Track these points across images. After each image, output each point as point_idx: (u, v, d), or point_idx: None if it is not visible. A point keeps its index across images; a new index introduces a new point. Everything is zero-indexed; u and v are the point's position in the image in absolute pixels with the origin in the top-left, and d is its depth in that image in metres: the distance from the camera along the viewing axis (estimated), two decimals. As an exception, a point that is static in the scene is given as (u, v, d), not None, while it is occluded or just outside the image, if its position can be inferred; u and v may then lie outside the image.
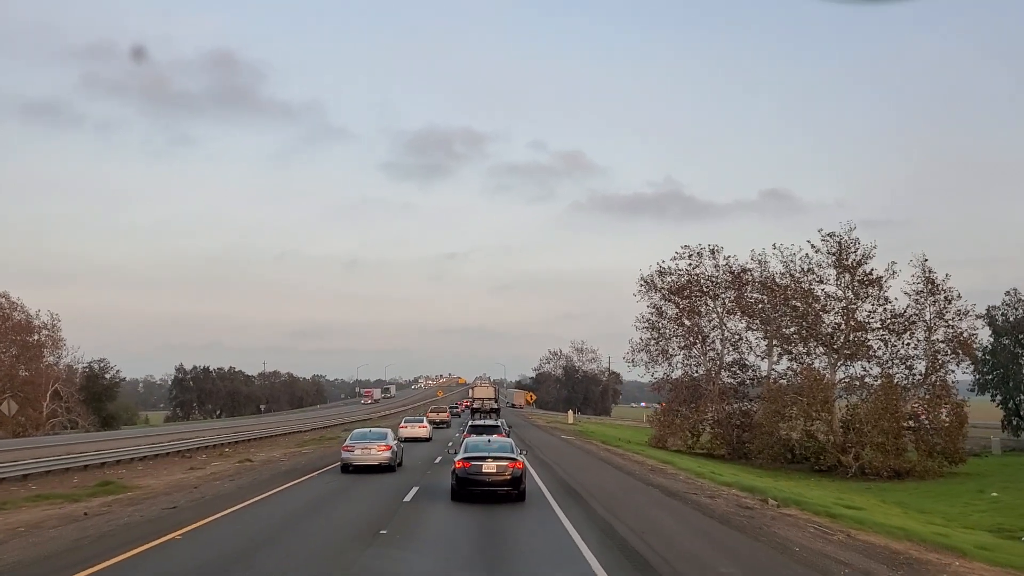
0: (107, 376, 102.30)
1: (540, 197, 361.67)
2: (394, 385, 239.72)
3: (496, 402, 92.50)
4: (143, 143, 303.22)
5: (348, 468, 30.44)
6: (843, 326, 55.56)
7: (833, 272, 56.36)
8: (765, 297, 59.85)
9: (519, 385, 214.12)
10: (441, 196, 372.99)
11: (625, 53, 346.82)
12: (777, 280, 59.32)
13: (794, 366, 59.81)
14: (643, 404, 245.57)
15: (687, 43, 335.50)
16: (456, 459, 22.07)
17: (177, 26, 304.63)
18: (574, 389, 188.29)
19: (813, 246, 56.38)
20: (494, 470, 21.02)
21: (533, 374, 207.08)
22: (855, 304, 55.10)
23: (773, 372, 60.53)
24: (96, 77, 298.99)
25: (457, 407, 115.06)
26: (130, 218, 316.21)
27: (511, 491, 21.02)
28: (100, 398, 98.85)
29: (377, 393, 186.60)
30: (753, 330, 62.42)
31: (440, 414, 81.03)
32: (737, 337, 62.40)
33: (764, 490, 23.04)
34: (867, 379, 54.29)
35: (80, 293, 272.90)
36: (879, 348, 55.10)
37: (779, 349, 59.44)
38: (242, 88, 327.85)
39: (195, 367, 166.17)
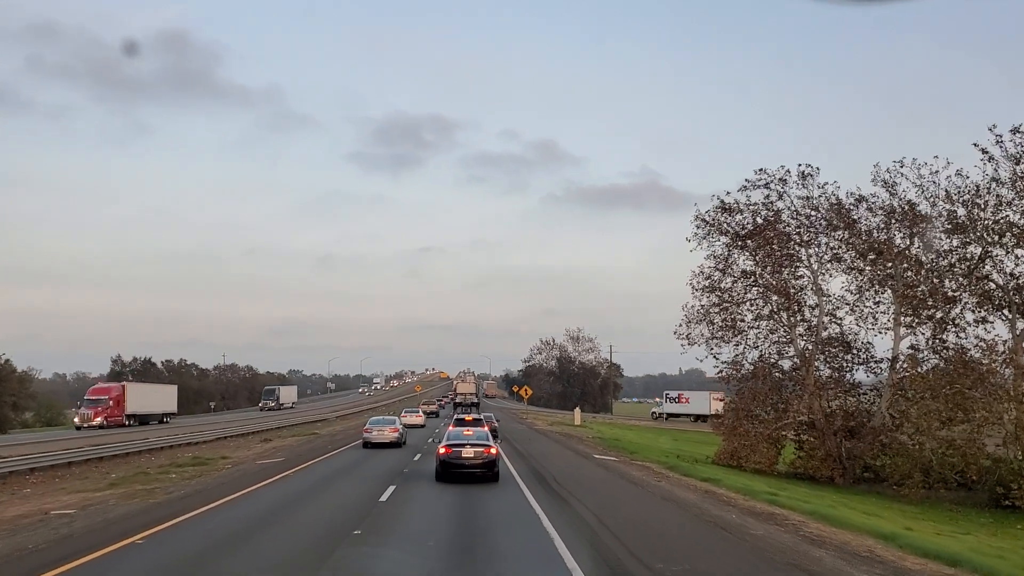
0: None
1: (514, 188, 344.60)
2: (292, 386, 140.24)
3: (477, 396, 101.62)
4: (98, 132, 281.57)
5: (367, 445, 39.64)
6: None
7: (1009, 194, 35.98)
8: (905, 238, 39.29)
9: (507, 379, 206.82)
10: (412, 188, 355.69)
11: (596, 40, 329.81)
12: (916, 209, 38.84)
13: (935, 342, 39.68)
14: (636, 399, 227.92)
15: (661, 30, 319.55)
16: (439, 446, 25.08)
17: (123, 4, 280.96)
18: (570, 383, 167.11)
19: (984, 152, 35.91)
20: (472, 455, 23.55)
21: (522, 366, 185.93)
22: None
23: (907, 351, 39.97)
24: (41, 60, 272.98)
25: (441, 400, 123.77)
26: (93, 212, 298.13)
27: (486, 473, 23.53)
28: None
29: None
30: (867, 290, 41.70)
31: (430, 406, 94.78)
32: (853, 296, 41.53)
33: None
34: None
35: (43, 291, 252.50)
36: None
37: (921, 316, 38.85)
38: (197, 71, 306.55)
39: (135, 358, 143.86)
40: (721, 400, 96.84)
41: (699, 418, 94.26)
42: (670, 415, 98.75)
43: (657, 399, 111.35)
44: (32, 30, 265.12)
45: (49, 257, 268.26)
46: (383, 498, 19.46)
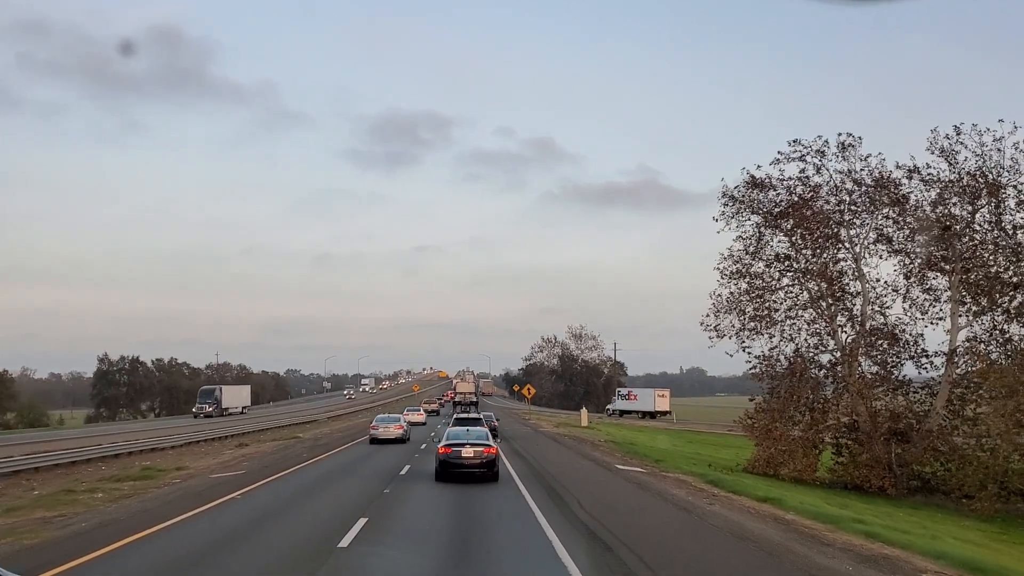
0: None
1: (511, 186, 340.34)
2: (242, 386, 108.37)
3: (475, 396, 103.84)
4: (92, 130, 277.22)
5: (374, 441, 42.57)
6: None
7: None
8: (967, 214, 34.32)
9: (507, 378, 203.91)
10: (409, 186, 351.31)
11: (593, 38, 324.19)
12: (988, 179, 33.82)
13: (997, 333, 34.73)
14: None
15: (659, 28, 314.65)
16: (439, 445, 25.24)
17: (115, 0, 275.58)
18: (572, 382, 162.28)
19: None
20: (471, 455, 23.76)
21: (523, 365, 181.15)
22: None
23: (965, 343, 34.93)
24: (32, 57, 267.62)
25: (441, 399, 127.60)
26: (89, 211, 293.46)
27: (486, 472, 23.72)
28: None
29: None
30: (916, 275, 36.65)
31: (431, 405, 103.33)
32: (904, 282, 36.50)
33: None
34: None
35: (40, 290, 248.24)
36: None
37: (988, 302, 33.84)
38: (191, 68, 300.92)
39: (122, 357, 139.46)
40: (664, 396, 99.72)
41: (646, 414, 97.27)
42: (622, 412, 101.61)
43: (612, 398, 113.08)
44: (22, 27, 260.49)
45: (46, 256, 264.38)
46: (343, 543, 13.58)
